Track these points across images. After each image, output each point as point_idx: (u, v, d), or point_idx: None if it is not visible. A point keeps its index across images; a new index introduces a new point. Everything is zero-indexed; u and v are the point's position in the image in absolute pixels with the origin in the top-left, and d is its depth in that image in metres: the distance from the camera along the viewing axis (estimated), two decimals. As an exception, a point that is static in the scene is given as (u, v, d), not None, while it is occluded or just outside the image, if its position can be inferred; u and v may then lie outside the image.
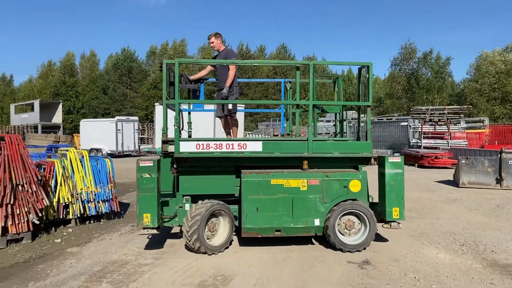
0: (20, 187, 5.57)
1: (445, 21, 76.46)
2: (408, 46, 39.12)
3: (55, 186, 6.36)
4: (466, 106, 21.57)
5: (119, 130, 22.24)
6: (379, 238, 5.69)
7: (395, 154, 19.83)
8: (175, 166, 5.18)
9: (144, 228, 4.80)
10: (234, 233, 5.36)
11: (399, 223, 5.20)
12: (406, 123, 21.63)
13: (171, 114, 5.11)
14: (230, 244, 5.20)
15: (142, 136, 30.81)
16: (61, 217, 6.42)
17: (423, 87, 37.92)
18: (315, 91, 5.87)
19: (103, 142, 22.10)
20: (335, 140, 5.54)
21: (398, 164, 5.17)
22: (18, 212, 5.51)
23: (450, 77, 41.90)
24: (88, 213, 6.70)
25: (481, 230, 6.13)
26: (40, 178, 6.00)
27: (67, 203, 6.47)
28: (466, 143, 19.84)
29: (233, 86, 6.08)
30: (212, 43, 6.26)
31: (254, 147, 5.04)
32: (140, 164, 4.74)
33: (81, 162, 6.69)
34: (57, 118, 31.98)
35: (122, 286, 4.05)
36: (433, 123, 20.24)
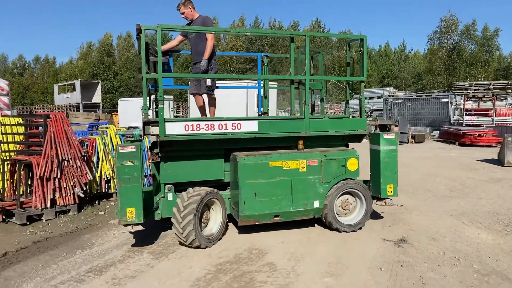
0: (65, 162, 5.88)
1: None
2: (448, 18, 36.81)
3: (97, 162, 6.66)
4: (514, 81, 20.19)
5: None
6: (416, 216, 5.57)
7: (434, 132, 19.07)
8: (155, 151, 4.56)
9: (125, 225, 4.20)
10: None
11: (391, 199, 5.14)
12: (447, 100, 20.64)
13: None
14: (223, 234, 4.78)
15: (177, 114, 31.41)
16: (103, 191, 6.76)
17: (466, 61, 35.78)
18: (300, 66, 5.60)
19: (141, 120, 22.64)
20: (330, 118, 5.39)
21: (392, 140, 5.07)
22: (64, 185, 5.85)
23: (498, 50, 39.22)
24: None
25: (527, 211, 5.83)
26: (83, 154, 6.31)
27: (108, 178, 6.79)
28: (513, 120, 18.68)
29: (211, 58, 5.46)
30: (182, 13, 5.53)
31: (249, 127, 4.66)
32: (120, 150, 4.07)
33: (120, 139, 6.94)
34: (97, 97, 33.13)
35: (162, 256, 4.24)
36: (477, 99, 19.14)
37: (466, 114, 18.89)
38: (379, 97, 27.38)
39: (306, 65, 4.93)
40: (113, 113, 27.62)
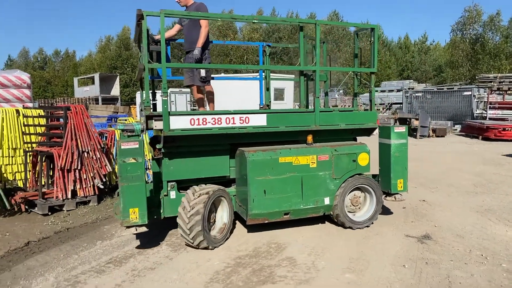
0: (85, 154, 5.94)
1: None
2: (472, 9, 35.61)
3: (116, 154, 6.71)
4: (541, 73, 19.42)
5: (172, 101, 22.81)
6: (439, 212, 5.40)
7: (456, 125, 18.57)
8: (158, 146, 4.35)
9: (128, 227, 3.86)
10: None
11: (401, 194, 5.01)
12: (469, 93, 20.01)
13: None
14: (231, 233, 4.58)
15: (194, 107, 31.55)
16: (122, 182, 6.81)
17: (489, 53, 34.62)
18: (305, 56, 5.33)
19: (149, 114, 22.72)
20: (340, 111, 5.21)
21: (403, 134, 4.91)
22: (84, 177, 5.91)
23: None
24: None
25: (558, 208, 5.58)
26: (102, 146, 6.36)
27: (127, 170, 6.82)
28: (539, 114, 17.99)
29: (205, 47, 5.23)
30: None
31: (258, 120, 4.43)
32: (122, 147, 3.77)
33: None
34: (115, 90, 33.56)
35: (180, 249, 4.23)
36: (502, 92, 18.50)
37: (490, 108, 18.29)
38: (398, 90, 26.81)
39: (316, 55, 4.71)
40: (131, 106, 27.95)
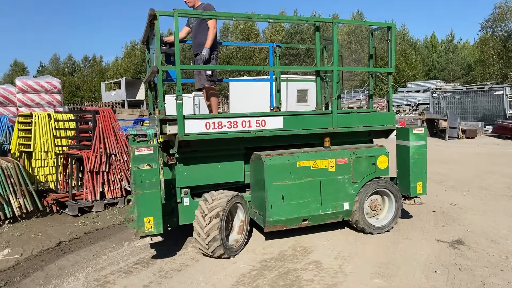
0: (113, 157, 6.07)
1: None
2: (503, 5, 34.26)
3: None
4: None
5: (196, 104, 23.11)
6: (472, 216, 5.19)
7: (487, 126, 17.87)
8: (171, 151, 4.20)
9: (142, 237, 3.72)
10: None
11: (420, 198, 4.85)
12: (501, 92, 19.22)
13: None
14: (246, 243, 4.34)
15: (219, 110, 31.81)
16: (148, 185, 6.92)
17: (523, 50, 33.18)
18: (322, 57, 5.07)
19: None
20: (358, 112, 5.06)
21: (421, 135, 4.77)
22: (112, 179, 6.05)
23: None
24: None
25: None
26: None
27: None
28: None
29: (214, 49, 5.12)
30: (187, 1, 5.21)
31: (275, 123, 4.31)
32: (136, 153, 3.61)
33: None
34: (141, 94, 34.34)
35: (206, 251, 4.24)
36: (536, 91, 17.70)
37: (523, 107, 17.53)
38: (425, 90, 26.17)
39: (334, 55, 4.58)
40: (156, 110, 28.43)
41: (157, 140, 4.20)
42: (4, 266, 4.03)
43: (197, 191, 4.33)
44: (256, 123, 4.22)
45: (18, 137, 7.03)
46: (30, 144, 6.79)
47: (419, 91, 27.11)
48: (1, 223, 5.38)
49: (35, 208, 5.71)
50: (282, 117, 4.36)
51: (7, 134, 7.56)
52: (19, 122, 7.06)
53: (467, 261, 3.79)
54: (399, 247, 4.22)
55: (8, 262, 4.12)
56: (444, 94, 21.67)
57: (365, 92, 39.18)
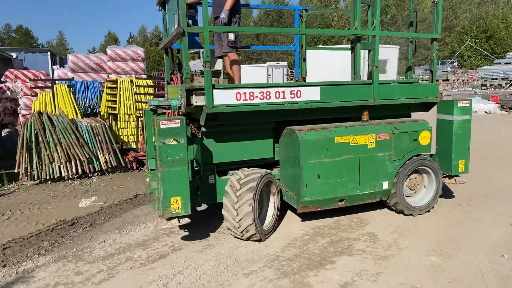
0: (185, 121, 6.49)
1: None
2: None
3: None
4: None
5: (270, 75, 23.21)
6: (561, 203, 4.63)
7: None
8: (196, 125, 3.87)
9: (168, 219, 3.40)
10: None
11: (460, 176, 4.46)
12: None
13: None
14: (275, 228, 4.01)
15: (291, 81, 31.61)
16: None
17: None
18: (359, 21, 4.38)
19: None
20: (400, 83, 4.62)
21: (467, 109, 4.41)
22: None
23: None
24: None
25: None
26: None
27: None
28: None
29: (235, 11, 4.63)
30: None
31: (311, 95, 3.90)
32: (162, 126, 3.24)
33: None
34: (219, 64, 35.37)
35: (263, 213, 4.42)
36: None
37: None
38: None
39: (376, 17, 4.15)
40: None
41: (180, 112, 3.84)
42: (91, 210, 4.68)
43: (220, 168, 4.05)
44: (291, 93, 3.85)
45: (107, 100, 7.82)
46: (115, 107, 7.53)
47: (509, 63, 23.81)
48: (91, 175, 6.18)
49: (118, 163, 6.42)
50: (319, 87, 3.96)
51: (98, 97, 8.44)
52: (107, 87, 7.83)
53: (543, 249, 3.45)
54: (465, 227, 3.97)
55: (94, 208, 4.77)
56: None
57: (455, 64, 35.57)
